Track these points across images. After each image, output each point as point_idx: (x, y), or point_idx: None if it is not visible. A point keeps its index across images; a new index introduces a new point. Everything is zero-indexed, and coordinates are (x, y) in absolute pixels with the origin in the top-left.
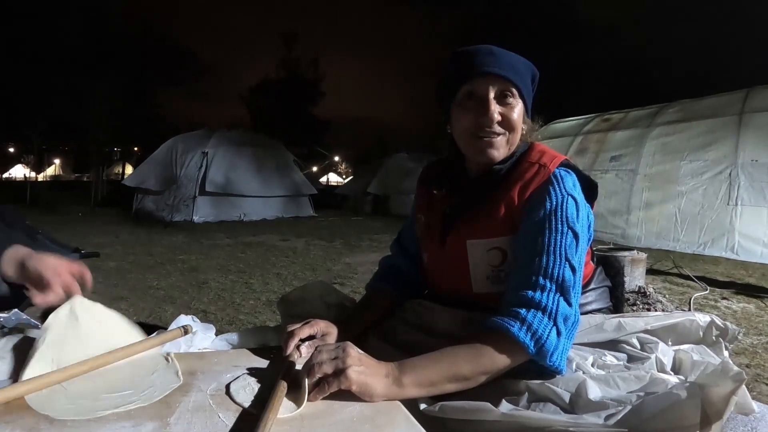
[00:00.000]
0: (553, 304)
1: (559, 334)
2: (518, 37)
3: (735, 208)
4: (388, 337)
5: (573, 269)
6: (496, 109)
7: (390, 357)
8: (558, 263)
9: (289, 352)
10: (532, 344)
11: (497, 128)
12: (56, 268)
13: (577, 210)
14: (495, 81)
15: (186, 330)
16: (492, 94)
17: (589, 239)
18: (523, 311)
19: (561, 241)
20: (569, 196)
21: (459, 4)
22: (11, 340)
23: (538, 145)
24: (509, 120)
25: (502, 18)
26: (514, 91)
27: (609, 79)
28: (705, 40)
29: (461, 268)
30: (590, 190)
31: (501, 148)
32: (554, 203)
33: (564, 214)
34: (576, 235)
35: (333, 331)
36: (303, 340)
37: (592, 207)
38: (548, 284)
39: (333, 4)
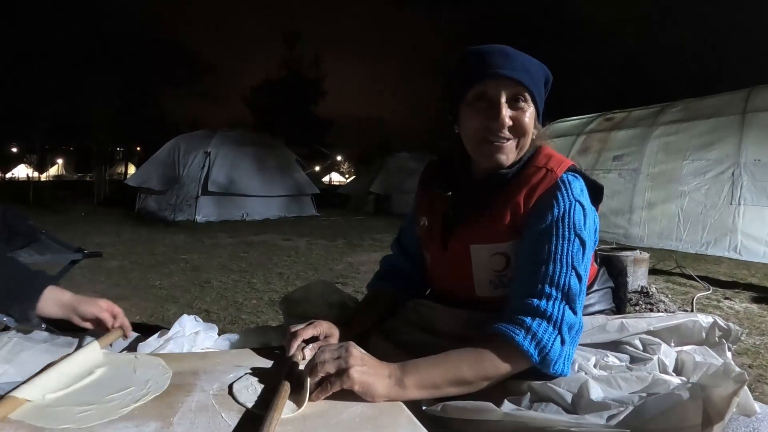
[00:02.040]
0: (558, 313)
1: (563, 342)
2: (520, 36)
3: (738, 208)
4: (390, 337)
5: (579, 277)
6: (507, 113)
7: (392, 357)
8: (564, 271)
9: (292, 353)
10: (537, 353)
11: (507, 133)
12: (110, 310)
13: (585, 216)
14: (508, 84)
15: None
16: (504, 98)
17: (594, 243)
18: (528, 320)
19: (568, 249)
20: (577, 203)
21: (461, 3)
22: (19, 344)
23: (544, 149)
24: (520, 125)
25: (505, 17)
26: (527, 95)
27: (611, 78)
28: (708, 39)
29: (464, 272)
30: (596, 194)
31: (510, 153)
32: (561, 210)
33: (571, 220)
34: (583, 243)
35: (335, 333)
36: (306, 342)
37: (597, 210)
38: (554, 293)
39: (335, 3)
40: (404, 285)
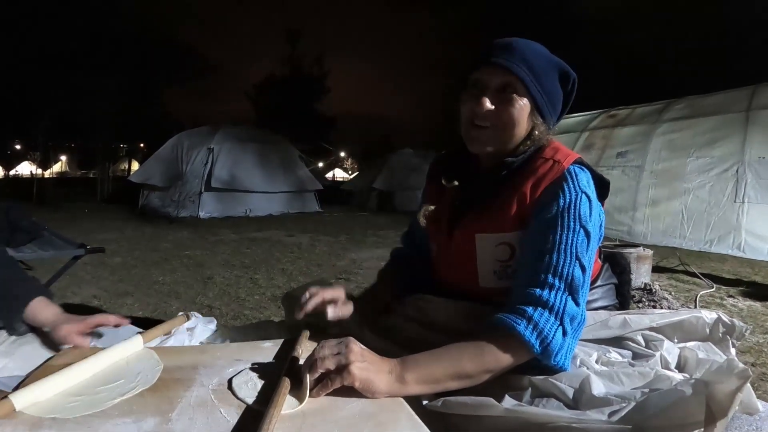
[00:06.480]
0: (560, 304)
1: (564, 333)
2: (524, 33)
3: (742, 206)
4: (389, 332)
5: (583, 268)
6: (491, 99)
7: (392, 353)
8: (568, 262)
9: (310, 307)
10: (538, 343)
11: (486, 120)
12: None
13: (590, 208)
14: (499, 72)
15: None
16: (492, 85)
17: (599, 238)
18: (529, 309)
19: (572, 239)
20: (583, 194)
21: (464, 1)
22: (21, 337)
23: (552, 142)
24: (503, 114)
25: (508, 15)
26: (519, 86)
27: (615, 74)
28: (712, 35)
29: (468, 261)
30: (602, 189)
31: (491, 141)
32: (567, 200)
33: (577, 211)
34: (588, 234)
35: (349, 306)
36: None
37: (602, 205)
38: (557, 283)
39: (338, 1)
40: (412, 275)
